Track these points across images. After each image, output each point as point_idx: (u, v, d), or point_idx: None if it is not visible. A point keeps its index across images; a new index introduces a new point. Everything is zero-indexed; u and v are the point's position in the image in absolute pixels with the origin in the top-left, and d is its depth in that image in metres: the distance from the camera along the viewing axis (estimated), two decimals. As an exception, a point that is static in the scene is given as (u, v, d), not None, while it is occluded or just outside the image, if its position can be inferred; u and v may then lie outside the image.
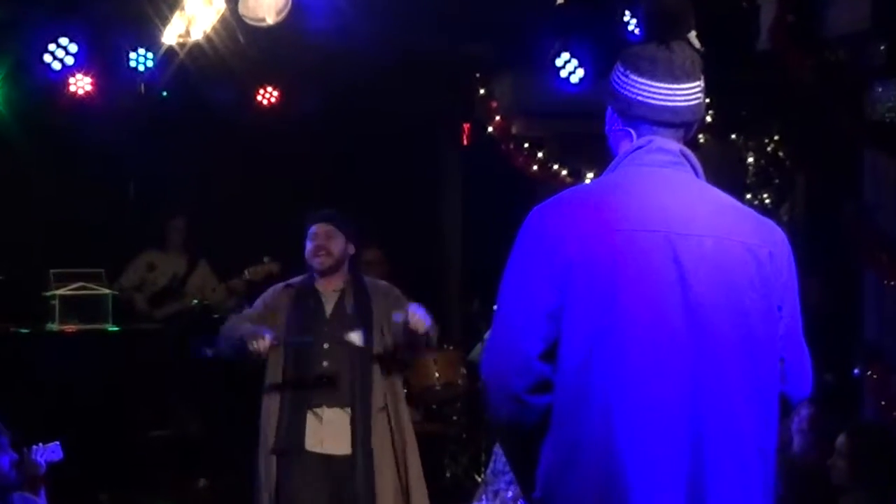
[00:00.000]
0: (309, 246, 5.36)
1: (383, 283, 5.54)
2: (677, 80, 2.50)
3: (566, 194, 2.54)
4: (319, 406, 5.20)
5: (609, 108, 2.61)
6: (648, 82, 2.50)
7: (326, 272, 5.35)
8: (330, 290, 5.37)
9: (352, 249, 5.41)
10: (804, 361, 2.57)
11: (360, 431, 5.13)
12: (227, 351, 5.25)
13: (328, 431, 5.18)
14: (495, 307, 2.51)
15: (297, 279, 5.47)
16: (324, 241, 5.33)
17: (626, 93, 2.53)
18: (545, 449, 2.43)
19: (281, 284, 5.48)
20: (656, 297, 2.36)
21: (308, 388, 5.21)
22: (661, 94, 2.50)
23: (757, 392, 2.41)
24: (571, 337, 2.37)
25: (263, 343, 5.05)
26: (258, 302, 5.44)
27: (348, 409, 5.18)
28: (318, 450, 5.17)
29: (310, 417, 5.19)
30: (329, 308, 5.33)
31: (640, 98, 2.52)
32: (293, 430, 5.17)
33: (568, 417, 2.38)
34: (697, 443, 2.34)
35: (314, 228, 5.37)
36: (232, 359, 5.30)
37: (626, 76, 2.53)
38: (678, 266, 2.38)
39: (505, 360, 2.43)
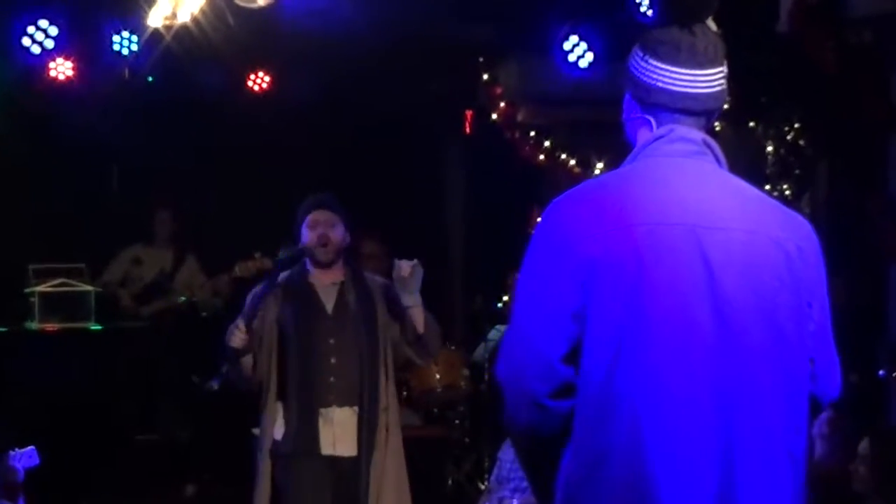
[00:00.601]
0: (310, 235, 5.28)
1: (380, 278, 5.51)
2: (700, 65, 2.50)
3: (585, 187, 2.54)
4: (329, 406, 5.17)
5: (627, 94, 2.61)
6: (670, 68, 2.50)
7: (329, 264, 5.30)
8: (328, 284, 5.32)
9: (348, 239, 5.37)
10: (834, 361, 2.57)
11: (367, 431, 5.12)
12: (231, 370, 5.25)
13: (339, 433, 5.16)
14: (513, 307, 2.50)
15: (280, 276, 5.35)
16: (326, 229, 5.27)
17: (645, 79, 2.53)
18: (566, 457, 2.43)
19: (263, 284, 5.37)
20: (683, 296, 2.36)
21: (316, 387, 5.17)
22: (682, 80, 2.50)
23: (787, 394, 2.41)
24: (595, 338, 2.36)
25: (239, 335, 5.08)
26: (248, 304, 5.32)
27: (356, 409, 5.16)
28: (329, 452, 5.16)
29: (320, 419, 5.16)
30: (330, 303, 5.28)
31: (660, 84, 2.51)
32: (305, 432, 5.14)
33: (592, 424, 2.37)
34: (727, 448, 2.34)
35: (313, 216, 5.29)
36: (236, 378, 5.27)
37: (646, 61, 2.53)
38: (705, 262, 2.37)
39: (525, 363, 2.42)
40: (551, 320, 2.39)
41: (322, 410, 5.16)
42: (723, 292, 2.37)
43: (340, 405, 5.17)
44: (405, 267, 5.19)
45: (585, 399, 2.38)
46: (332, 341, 5.22)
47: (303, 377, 5.19)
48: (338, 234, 5.30)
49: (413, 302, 5.23)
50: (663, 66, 2.51)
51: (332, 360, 5.20)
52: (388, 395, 5.23)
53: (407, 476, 5.31)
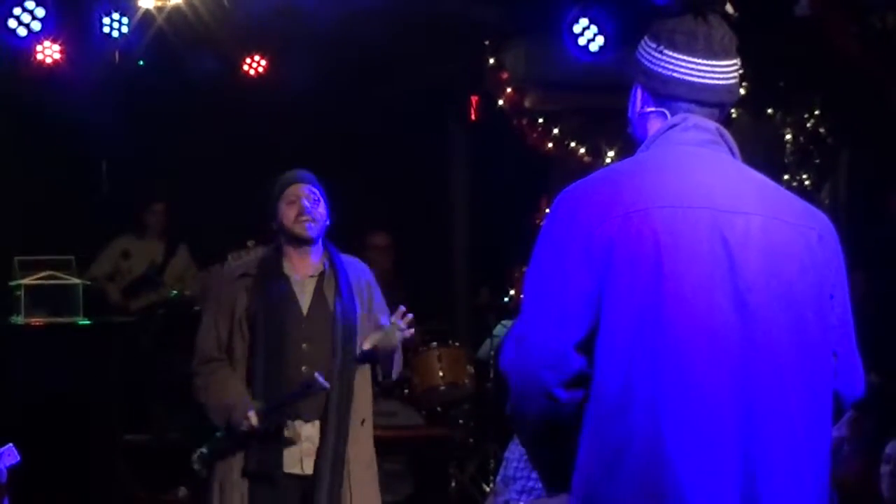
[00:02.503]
0: (290, 211, 4.92)
1: (359, 263, 5.18)
2: (717, 56, 2.56)
3: (600, 173, 2.58)
4: (296, 419, 4.85)
5: (637, 87, 2.65)
6: (687, 58, 2.55)
7: (309, 242, 4.94)
8: (305, 276, 4.97)
9: (329, 220, 5.01)
10: (856, 359, 2.59)
11: (332, 447, 4.81)
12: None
13: (307, 449, 4.86)
14: (523, 296, 2.50)
15: (249, 262, 5.07)
16: (310, 204, 4.93)
17: (660, 69, 2.57)
18: (582, 452, 2.43)
19: (232, 273, 5.07)
20: (703, 280, 2.38)
21: (283, 399, 4.84)
22: (700, 70, 2.55)
23: (810, 388, 2.43)
24: (612, 325, 2.38)
25: (250, 421, 4.78)
26: (211, 302, 5.08)
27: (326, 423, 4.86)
28: (296, 471, 4.85)
29: (286, 433, 4.85)
30: (305, 301, 4.95)
31: (676, 75, 2.56)
32: (269, 448, 4.82)
33: (609, 415, 2.38)
34: (749, 439, 2.35)
35: (293, 189, 4.94)
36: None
37: (661, 52, 2.57)
38: (725, 246, 2.40)
39: (536, 352, 2.42)
40: (565, 306, 2.40)
41: (288, 423, 4.85)
42: (743, 277, 2.39)
43: (309, 419, 4.86)
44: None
45: (602, 389, 2.38)
46: (304, 346, 4.89)
47: (268, 386, 4.84)
48: (321, 210, 4.96)
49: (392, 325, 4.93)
50: (680, 56, 2.55)
51: (303, 369, 4.84)
52: (367, 406, 5.01)
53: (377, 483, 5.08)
